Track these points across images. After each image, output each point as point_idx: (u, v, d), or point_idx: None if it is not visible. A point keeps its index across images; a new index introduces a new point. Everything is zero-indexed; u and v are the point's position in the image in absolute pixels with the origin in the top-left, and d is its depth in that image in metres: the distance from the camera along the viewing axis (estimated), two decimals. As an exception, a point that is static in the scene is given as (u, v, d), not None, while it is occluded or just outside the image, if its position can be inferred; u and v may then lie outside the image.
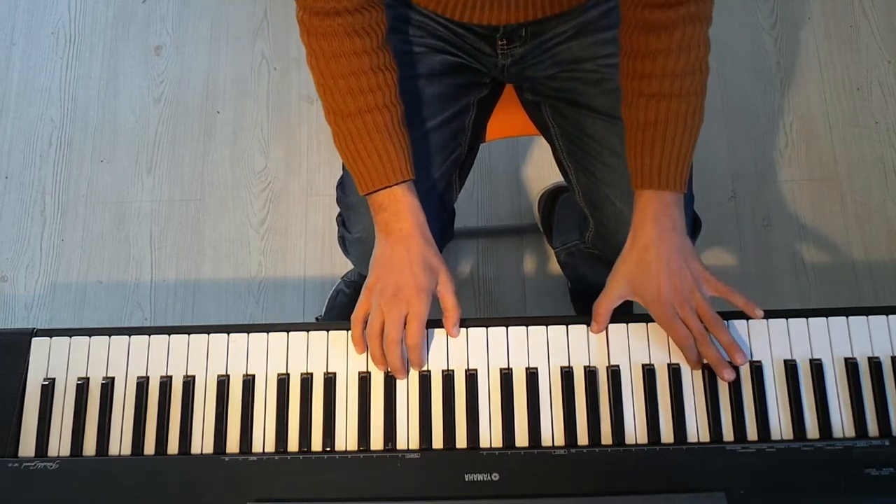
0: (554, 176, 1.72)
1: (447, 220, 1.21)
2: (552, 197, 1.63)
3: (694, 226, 1.10)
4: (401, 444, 0.87)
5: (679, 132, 0.93)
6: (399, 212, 0.94)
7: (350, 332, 0.92)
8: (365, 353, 0.91)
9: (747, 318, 0.92)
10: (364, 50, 0.95)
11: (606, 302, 0.92)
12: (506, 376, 0.89)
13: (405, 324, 0.90)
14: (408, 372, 0.90)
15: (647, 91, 0.94)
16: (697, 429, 0.87)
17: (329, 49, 0.94)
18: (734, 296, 0.92)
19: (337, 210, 1.17)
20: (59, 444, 0.88)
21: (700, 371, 0.90)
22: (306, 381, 0.90)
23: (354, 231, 1.11)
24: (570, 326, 0.92)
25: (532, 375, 0.89)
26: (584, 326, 0.92)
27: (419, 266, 0.92)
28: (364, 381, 0.90)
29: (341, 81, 0.95)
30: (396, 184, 0.95)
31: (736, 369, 0.89)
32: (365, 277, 1.55)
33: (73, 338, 0.92)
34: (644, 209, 0.94)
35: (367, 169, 0.95)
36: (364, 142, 0.95)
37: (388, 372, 0.90)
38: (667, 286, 0.90)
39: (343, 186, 1.13)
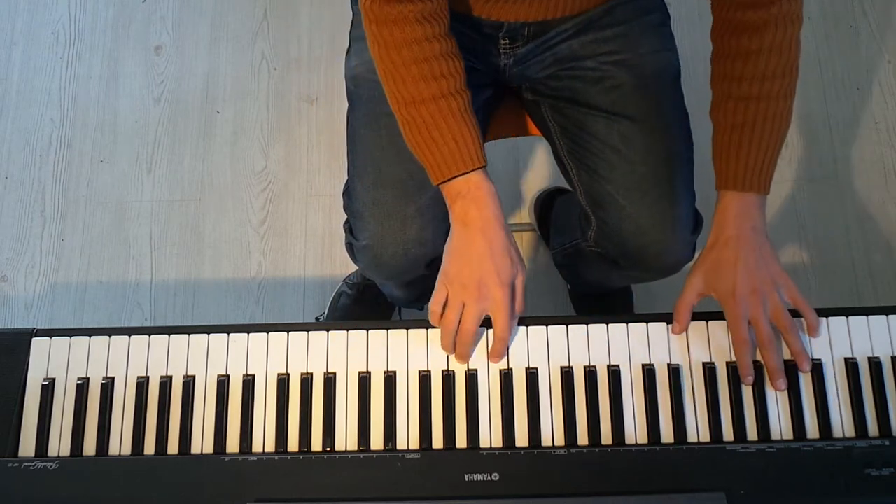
0: (553, 176, 1.72)
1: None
2: (548, 199, 1.63)
3: (695, 223, 1.10)
4: (401, 444, 0.87)
5: (766, 135, 0.93)
6: (479, 199, 0.92)
7: (347, 331, 0.92)
8: (364, 352, 0.91)
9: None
10: (434, 36, 0.94)
11: (685, 300, 0.92)
12: (506, 376, 0.89)
13: (484, 317, 0.89)
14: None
15: (736, 94, 0.93)
16: (697, 429, 0.87)
17: (400, 36, 0.93)
18: (808, 312, 0.90)
19: (341, 213, 1.16)
20: (59, 444, 0.88)
21: (700, 371, 0.90)
22: (306, 381, 0.90)
23: (362, 239, 1.10)
24: (570, 326, 0.92)
25: (532, 375, 0.89)
26: (585, 326, 0.92)
27: (501, 257, 0.91)
28: (364, 381, 0.90)
29: (413, 68, 0.93)
30: (474, 169, 0.93)
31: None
32: (368, 280, 1.56)
33: (73, 338, 0.92)
34: (726, 209, 0.93)
35: (442, 156, 0.93)
36: (440, 128, 0.93)
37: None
38: (742, 284, 0.90)
39: (350, 193, 1.12)
